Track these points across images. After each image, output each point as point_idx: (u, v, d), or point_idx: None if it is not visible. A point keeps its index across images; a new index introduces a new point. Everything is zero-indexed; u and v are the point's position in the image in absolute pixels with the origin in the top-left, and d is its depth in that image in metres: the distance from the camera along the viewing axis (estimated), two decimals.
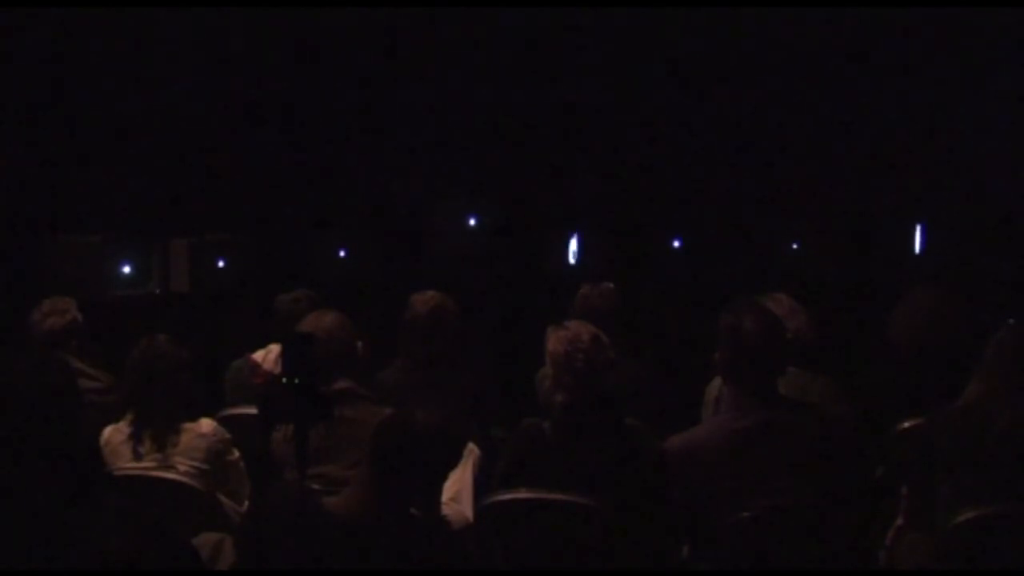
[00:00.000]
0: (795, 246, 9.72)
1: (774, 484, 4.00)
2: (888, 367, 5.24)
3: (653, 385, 5.52)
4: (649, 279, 9.22)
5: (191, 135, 8.93)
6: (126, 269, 8.38)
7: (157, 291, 8.47)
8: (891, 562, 4.39)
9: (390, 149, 9.76)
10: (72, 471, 2.64)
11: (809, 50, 9.57)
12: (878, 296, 7.33)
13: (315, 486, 4.10)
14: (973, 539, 3.99)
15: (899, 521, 4.40)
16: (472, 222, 9.89)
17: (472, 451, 4.59)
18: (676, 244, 9.88)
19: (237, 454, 4.84)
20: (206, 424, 4.79)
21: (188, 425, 4.74)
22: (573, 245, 9.78)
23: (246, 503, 4.79)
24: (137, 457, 4.67)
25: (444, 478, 3.65)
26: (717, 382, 4.92)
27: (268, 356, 5.46)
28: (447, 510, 4.05)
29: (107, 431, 4.77)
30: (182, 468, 4.64)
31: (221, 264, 8.78)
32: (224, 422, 4.92)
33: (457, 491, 4.45)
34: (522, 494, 4.14)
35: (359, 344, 4.83)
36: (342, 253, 9.58)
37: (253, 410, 4.81)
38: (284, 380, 3.47)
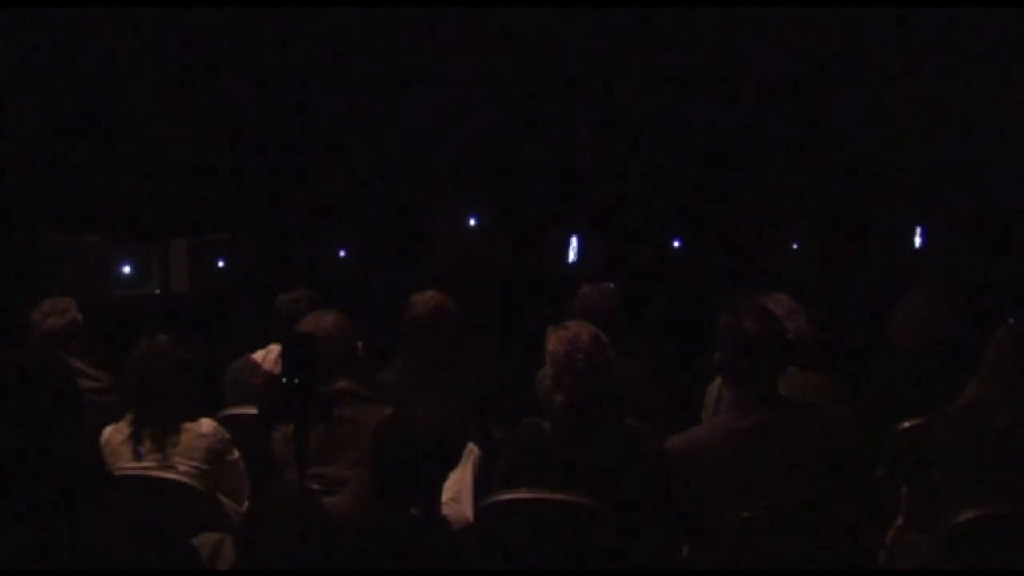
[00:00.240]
0: (795, 246, 9.72)
1: (774, 484, 4.00)
2: (888, 367, 5.24)
3: (653, 385, 5.52)
4: (649, 279, 9.21)
5: (191, 135, 8.93)
6: (126, 269, 8.38)
7: (157, 291, 8.48)
8: (891, 562, 4.40)
9: (390, 149, 9.76)
10: (72, 471, 2.64)
11: (809, 50, 9.57)
12: (878, 296, 7.32)
13: (315, 486, 4.10)
14: (973, 539, 3.99)
15: (899, 521, 4.41)
16: (472, 222, 9.89)
17: (472, 451, 4.59)
18: (676, 244, 9.88)
19: (237, 454, 4.83)
20: (206, 424, 4.79)
21: (188, 425, 4.74)
22: (573, 245, 9.78)
23: (246, 503, 4.79)
24: (137, 457, 4.67)
25: (444, 478, 3.65)
26: (717, 382, 4.92)
27: (268, 356, 5.46)
28: (447, 510, 4.05)
29: (107, 431, 4.77)
30: (182, 468, 4.64)
31: (221, 264, 8.79)
32: (224, 422, 4.92)
33: (457, 491, 4.45)
34: (522, 494, 4.14)
35: (359, 344, 4.83)
36: (342, 253, 9.59)
37: (253, 410, 4.81)
38: (284, 380, 3.47)
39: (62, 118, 8.37)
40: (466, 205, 9.89)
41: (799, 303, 5.18)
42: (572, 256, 9.79)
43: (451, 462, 3.65)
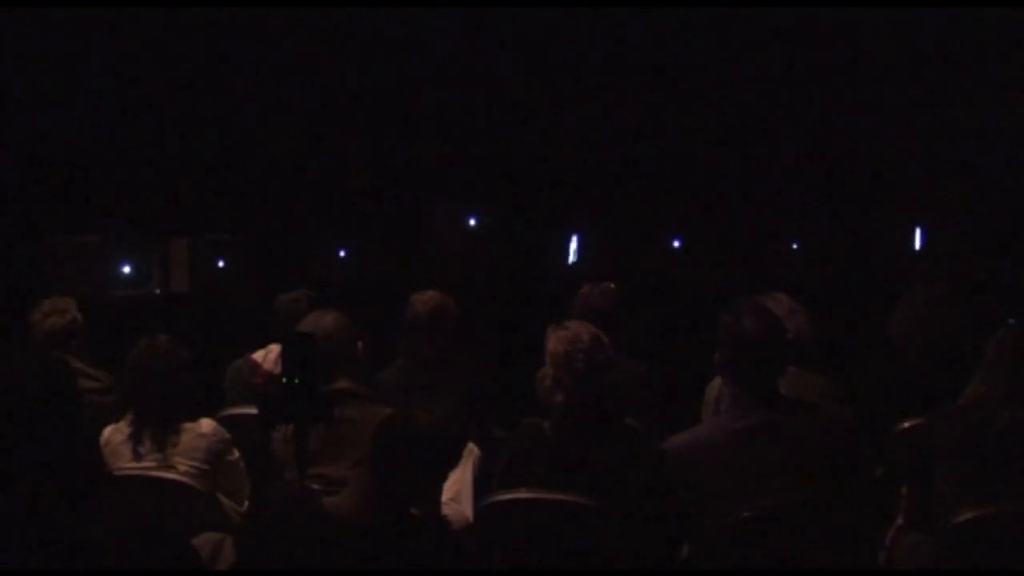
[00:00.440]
0: (795, 246, 9.72)
1: (774, 484, 4.00)
2: (888, 367, 5.24)
3: (653, 385, 5.52)
4: (649, 279, 9.21)
5: (191, 135, 8.93)
6: (126, 269, 8.39)
7: (157, 291, 8.48)
8: (891, 562, 4.40)
9: (390, 149, 9.76)
10: (72, 471, 2.64)
11: (808, 50, 9.56)
12: (878, 296, 7.32)
13: (315, 486, 4.10)
14: (973, 539, 3.99)
15: (899, 521, 4.41)
16: (472, 222, 9.89)
17: (472, 451, 4.60)
18: (676, 244, 9.88)
19: (237, 454, 4.83)
20: (206, 424, 4.79)
21: (188, 425, 4.74)
22: (573, 245, 9.78)
23: (246, 503, 4.79)
24: (137, 457, 4.67)
25: (444, 478, 3.65)
26: (717, 382, 4.92)
27: (268, 356, 5.46)
28: (447, 510, 4.06)
29: (107, 431, 4.78)
30: (182, 468, 4.64)
31: (221, 264, 8.79)
32: (224, 422, 4.92)
33: (457, 491, 4.46)
34: (522, 494, 4.14)
35: (359, 344, 4.83)
36: (342, 253, 9.59)
37: (253, 410, 4.80)
38: (284, 380, 3.47)
39: (62, 118, 8.37)
40: (466, 205, 9.89)
41: (799, 303, 5.18)
42: (572, 256, 9.79)
43: (451, 462, 3.65)
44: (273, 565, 3.41)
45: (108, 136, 8.55)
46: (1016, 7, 8.76)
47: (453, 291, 5.69)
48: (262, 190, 9.26)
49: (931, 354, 5.08)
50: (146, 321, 6.64)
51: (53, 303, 5.63)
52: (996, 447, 4.09)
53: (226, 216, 9.02)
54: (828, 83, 9.66)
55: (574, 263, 9.74)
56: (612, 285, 5.97)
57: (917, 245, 9.56)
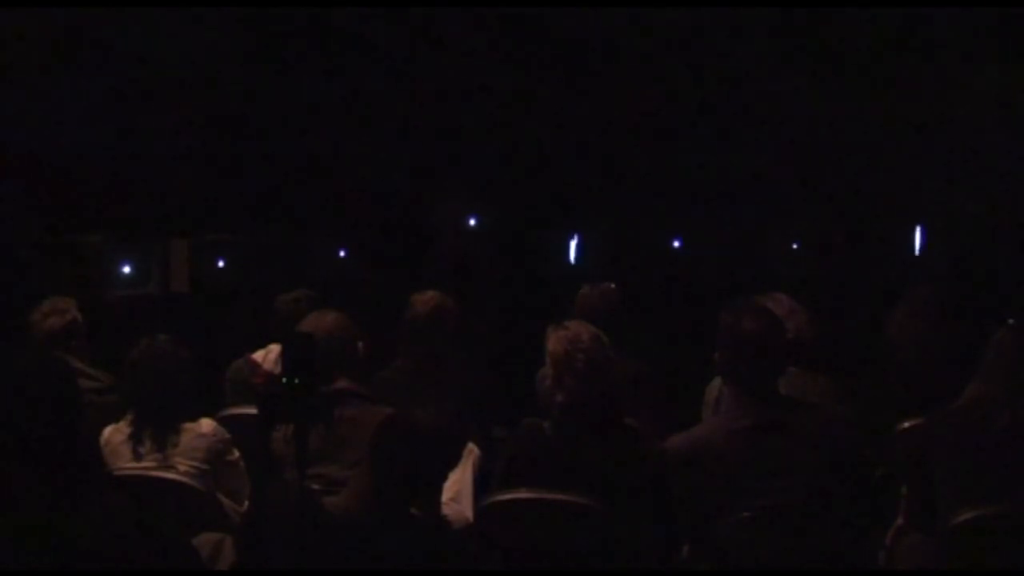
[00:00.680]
0: (795, 246, 9.73)
1: (774, 484, 4.00)
2: (888, 367, 5.24)
3: (653, 385, 5.52)
4: (649, 279, 9.22)
5: (192, 135, 8.93)
6: (126, 269, 8.39)
7: (157, 291, 8.48)
8: (891, 562, 4.39)
9: (391, 149, 9.76)
10: (72, 471, 2.64)
11: (808, 50, 9.57)
12: (878, 296, 7.33)
13: (315, 486, 4.10)
14: (973, 539, 3.99)
15: (899, 521, 4.40)
16: (472, 222, 9.89)
17: (472, 451, 4.60)
18: (676, 244, 9.89)
19: (237, 454, 4.83)
20: (206, 424, 4.79)
21: (188, 425, 4.74)
22: (573, 245, 9.79)
23: (246, 503, 4.78)
24: (137, 457, 4.67)
25: (444, 478, 3.65)
26: (717, 382, 4.92)
27: (268, 356, 5.46)
28: (447, 510, 4.06)
29: (107, 431, 4.77)
30: (182, 468, 4.64)
31: (221, 264, 8.79)
32: (224, 422, 4.92)
33: (457, 491, 4.46)
34: (522, 494, 4.14)
35: (359, 344, 4.83)
36: (342, 253, 9.59)
37: (253, 410, 4.80)
38: (284, 380, 3.47)
39: (62, 118, 8.37)
40: (466, 205, 9.90)
41: (799, 303, 5.18)
42: (572, 256, 9.80)
43: (451, 462, 3.65)
44: (273, 565, 3.41)
45: (108, 136, 8.55)
46: (1016, 7, 8.77)
47: (453, 291, 5.69)
48: (262, 190, 9.26)
49: (931, 354, 5.08)
50: (146, 321, 6.64)
51: (53, 303, 5.62)
52: (996, 447, 4.08)
53: (226, 216, 9.02)
54: (828, 83, 9.66)
55: (574, 263, 9.74)
56: (612, 285, 5.97)
57: (917, 245, 9.56)
